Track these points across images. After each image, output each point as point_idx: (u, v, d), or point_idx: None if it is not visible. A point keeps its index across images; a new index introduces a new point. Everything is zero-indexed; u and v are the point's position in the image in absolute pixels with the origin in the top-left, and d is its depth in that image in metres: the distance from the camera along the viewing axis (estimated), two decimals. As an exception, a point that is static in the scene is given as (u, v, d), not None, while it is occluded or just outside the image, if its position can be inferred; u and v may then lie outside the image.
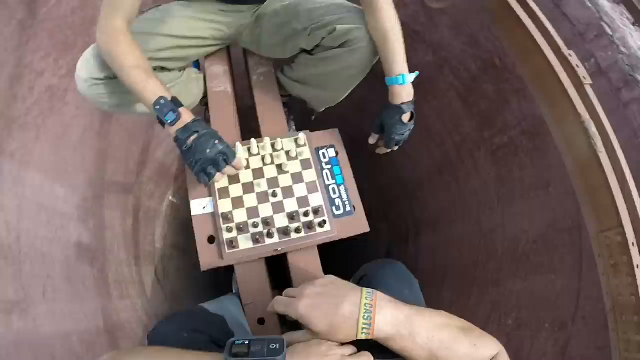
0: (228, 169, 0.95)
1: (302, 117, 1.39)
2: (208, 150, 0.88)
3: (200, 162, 0.88)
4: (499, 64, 1.23)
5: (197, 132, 0.87)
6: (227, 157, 0.92)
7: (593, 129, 0.89)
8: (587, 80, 0.92)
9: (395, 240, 2.23)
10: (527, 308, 1.25)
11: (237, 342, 0.59)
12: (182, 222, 1.94)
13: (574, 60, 0.93)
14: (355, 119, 1.82)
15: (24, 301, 1.00)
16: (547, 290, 1.20)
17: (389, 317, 0.63)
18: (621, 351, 0.82)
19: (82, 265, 1.27)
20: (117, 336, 1.31)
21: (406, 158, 1.91)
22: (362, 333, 0.63)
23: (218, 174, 0.93)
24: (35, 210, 1.11)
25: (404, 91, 0.99)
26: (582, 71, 0.92)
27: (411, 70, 0.99)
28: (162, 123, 0.87)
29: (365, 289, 0.67)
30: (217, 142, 0.89)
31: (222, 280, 2.27)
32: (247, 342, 0.59)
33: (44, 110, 1.16)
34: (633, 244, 0.82)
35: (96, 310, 1.27)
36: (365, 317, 0.63)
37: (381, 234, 2.37)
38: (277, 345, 0.59)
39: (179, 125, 0.87)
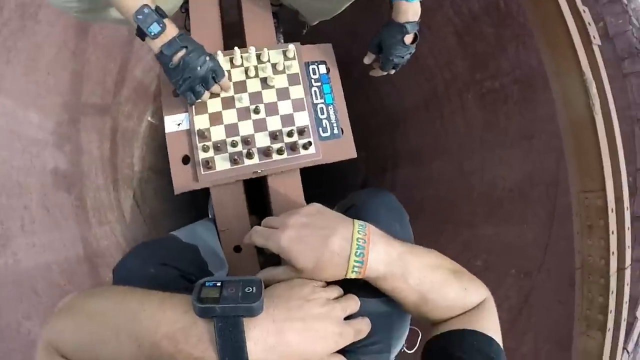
0: (215, 87, 0.89)
1: (291, 30, 1.29)
2: (199, 68, 0.80)
3: (189, 80, 0.81)
4: (503, 7, 1.16)
5: (186, 47, 0.79)
6: (217, 74, 0.85)
7: (594, 90, 0.87)
8: (596, 41, 0.89)
9: (372, 170, 2.24)
10: (496, 253, 1.31)
11: (207, 284, 0.52)
12: (161, 144, 1.89)
13: (587, 17, 0.89)
14: (345, 41, 1.73)
15: (3, 236, 0.99)
16: (517, 239, 1.25)
17: (382, 254, 0.58)
18: (583, 309, 0.88)
19: (60, 193, 1.25)
20: (97, 263, 1.33)
21: (392, 87, 1.86)
22: (352, 272, 0.57)
23: (206, 93, 0.87)
24: (8, 139, 1.06)
25: (410, 9, 0.87)
26: (592, 30, 0.89)
27: None
28: (143, 36, 0.77)
29: (357, 222, 0.60)
30: (207, 58, 0.82)
31: (200, 202, 2.29)
32: (218, 284, 0.52)
33: (14, 31, 1.06)
34: (612, 210, 0.84)
35: (75, 239, 1.27)
36: (358, 253, 0.56)
37: (359, 163, 2.37)
38: (254, 288, 0.52)
39: (164, 39, 0.77)
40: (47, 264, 1.11)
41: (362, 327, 0.59)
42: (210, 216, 1.48)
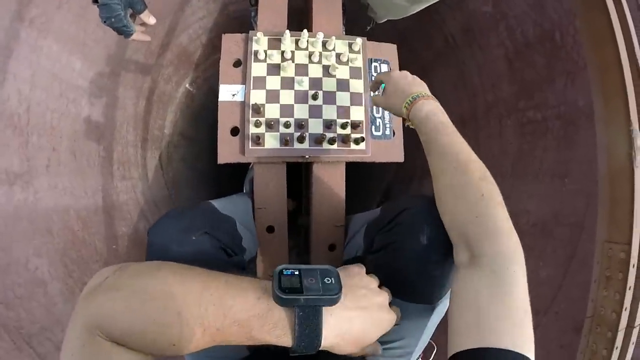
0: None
1: (354, 24, 1.27)
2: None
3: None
4: (559, 39, 1.13)
5: None
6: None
7: (638, 142, 0.84)
8: (649, 93, 0.85)
9: (398, 178, 2.22)
10: (507, 284, 1.28)
11: (285, 272, 0.53)
12: (195, 112, 1.92)
13: (643, 67, 0.86)
14: (415, 46, 1.71)
15: (28, 173, 1.01)
16: (531, 274, 1.21)
17: (423, 111, 0.73)
18: (585, 358, 0.86)
19: (89, 141, 1.28)
20: (113, 215, 1.36)
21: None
22: (404, 107, 0.77)
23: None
24: (48, 81, 1.08)
25: None
26: (646, 82, 0.86)
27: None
28: None
29: (423, 93, 0.77)
30: None
31: (224, 179, 2.31)
32: (296, 273, 0.53)
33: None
34: (634, 265, 0.82)
35: (96, 188, 1.30)
36: (409, 100, 0.76)
37: (386, 171, 2.35)
38: (332, 279, 0.54)
39: None
40: (65, 208, 1.14)
41: (399, 314, 0.62)
42: (244, 191, 1.49)
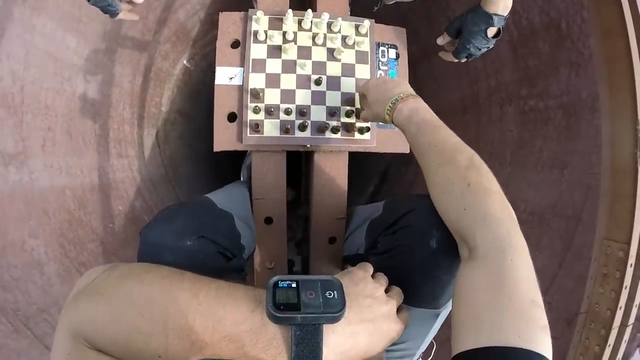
0: None
1: (357, 3, 1.21)
2: None
3: None
4: (565, 28, 1.10)
5: None
6: None
7: (644, 140, 0.84)
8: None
9: (395, 163, 2.21)
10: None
11: (280, 285, 0.47)
12: (192, 89, 1.88)
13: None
14: (418, 29, 1.67)
15: (23, 153, 1.00)
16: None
17: (405, 112, 0.73)
18: (577, 353, 0.88)
19: (85, 120, 1.26)
20: (109, 194, 1.35)
21: (434, 82, 1.81)
22: (386, 113, 0.76)
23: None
24: (43, 60, 1.06)
25: (502, 1, 0.84)
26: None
27: None
28: None
29: (406, 91, 0.77)
30: None
31: (222, 156, 2.29)
32: (293, 285, 0.48)
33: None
34: (631, 265, 0.83)
35: (92, 167, 1.29)
36: (392, 102, 0.75)
37: (383, 155, 2.32)
38: (335, 293, 0.48)
39: None
40: (61, 187, 1.13)
41: (408, 318, 0.59)
42: (242, 178, 1.46)
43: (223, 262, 0.76)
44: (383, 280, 0.60)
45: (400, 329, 0.55)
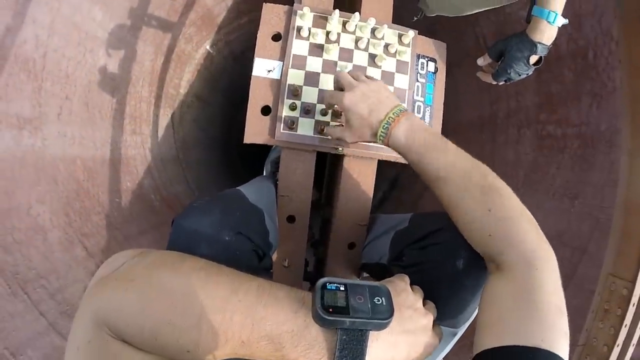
0: None
1: (400, 12, 1.19)
2: None
3: None
4: (591, 59, 1.09)
5: None
6: None
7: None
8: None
9: (406, 171, 2.20)
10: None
11: (328, 287, 0.47)
12: (212, 75, 1.89)
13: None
14: (456, 46, 1.65)
15: (38, 119, 1.00)
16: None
17: (401, 134, 0.68)
18: (570, 385, 0.87)
19: (103, 93, 1.26)
20: (119, 169, 1.35)
21: (455, 96, 1.80)
22: (379, 139, 0.71)
23: None
24: (67, 29, 1.06)
25: (548, 31, 0.86)
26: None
27: None
28: None
29: (397, 106, 0.71)
30: None
31: (233, 144, 2.30)
32: (342, 288, 0.47)
33: None
34: (634, 304, 0.82)
35: (106, 140, 1.29)
36: (384, 127, 0.70)
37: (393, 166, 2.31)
38: (383, 299, 0.48)
39: None
40: (72, 157, 1.13)
41: (441, 335, 0.59)
42: (264, 173, 1.45)
43: (256, 261, 0.74)
44: (419, 294, 0.59)
45: (435, 344, 0.55)
